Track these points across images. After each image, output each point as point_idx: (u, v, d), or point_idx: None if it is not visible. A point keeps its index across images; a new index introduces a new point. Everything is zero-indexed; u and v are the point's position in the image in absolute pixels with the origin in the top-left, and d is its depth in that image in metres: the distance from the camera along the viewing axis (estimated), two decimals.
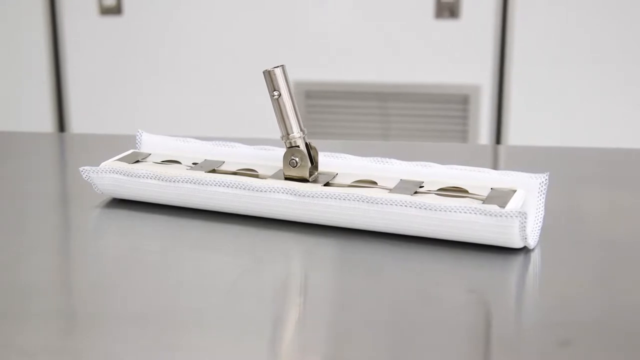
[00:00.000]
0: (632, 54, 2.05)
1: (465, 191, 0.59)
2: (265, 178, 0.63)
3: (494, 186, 0.60)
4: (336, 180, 0.62)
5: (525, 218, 0.53)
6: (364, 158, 0.64)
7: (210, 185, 0.61)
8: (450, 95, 2.15)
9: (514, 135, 2.13)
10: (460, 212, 0.55)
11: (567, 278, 0.52)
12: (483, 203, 0.57)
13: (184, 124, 2.27)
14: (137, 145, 0.70)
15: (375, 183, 0.61)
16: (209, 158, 0.68)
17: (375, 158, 0.64)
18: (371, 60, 2.17)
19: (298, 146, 0.61)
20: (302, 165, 0.62)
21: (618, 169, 0.77)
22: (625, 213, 0.65)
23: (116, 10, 2.24)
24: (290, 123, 0.61)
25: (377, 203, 0.57)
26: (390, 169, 0.63)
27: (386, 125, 2.19)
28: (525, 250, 0.56)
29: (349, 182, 0.62)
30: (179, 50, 2.26)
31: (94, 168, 0.65)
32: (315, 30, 2.18)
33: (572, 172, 0.77)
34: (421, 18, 2.12)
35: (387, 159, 0.63)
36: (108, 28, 2.26)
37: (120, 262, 0.56)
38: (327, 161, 0.64)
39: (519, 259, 0.55)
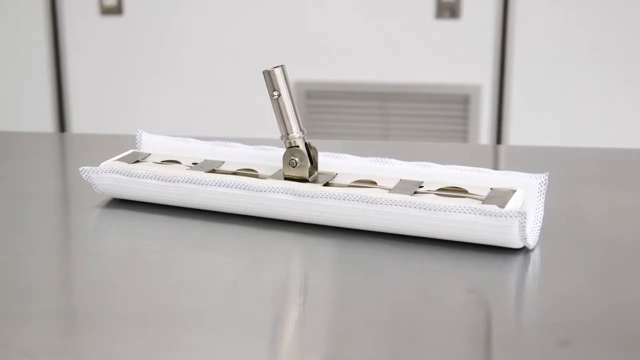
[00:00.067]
0: (632, 54, 2.05)
1: (465, 191, 0.59)
2: (265, 178, 0.63)
3: (493, 186, 0.60)
4: (336, 180, 0.62)
5: (525, 218, 0.53)
6: (363, 158, 0.64)
7: (210, 185, 0.61)
8: (450, 95, 2.15)
9: (514, 135, 2.13)
10: (459, 212, 0.55)
11: (567, 278, 0.52)
12: (483, 203, 0.57)
13: (184, 124, 2.27)
14: (137, 145, 0.70)
15: (375, 183, 0.61)
16: (209, 158, 0.68)
17: (375, 158, 0.64)
18: (371, 60, 2.17)
19: (298, 146, 0.61)
20: (302, 165, 0.62)
21: (618, 169, 0.77)
22: (625, 213, 0.65)
23: (117, 10, 2.24)
24: (290, 123, 0.61)
25: (376, 203, 0.57)
26: (390, 169, 0.63)
27: (386, 125, 2.19)
28: (524, 250, 0.56)
29: (348, 182, 0.62)
30: (179, 50, 2.26)
31: (93, 168, 0.65)
32: (316, 30, 2.18)
33: (572, 172, 0.77)
34: (421, 18, 2.12)
35: (387, 159, 0.63)
36: (109, 28, 2.26)
37: (120, 262, 0.56)
38: (326, 161, 0.64)
39: (518, 259, 0.55)
